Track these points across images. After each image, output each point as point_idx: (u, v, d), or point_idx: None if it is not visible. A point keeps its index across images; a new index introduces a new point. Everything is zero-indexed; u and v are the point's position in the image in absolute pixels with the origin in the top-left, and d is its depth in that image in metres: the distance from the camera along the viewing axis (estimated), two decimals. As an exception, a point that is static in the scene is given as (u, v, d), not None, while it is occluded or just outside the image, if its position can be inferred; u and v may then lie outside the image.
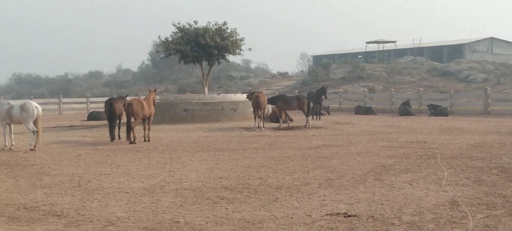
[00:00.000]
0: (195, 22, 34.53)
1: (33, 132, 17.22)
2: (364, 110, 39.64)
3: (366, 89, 51.54)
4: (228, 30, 34.28)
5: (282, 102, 26.42)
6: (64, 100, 50.17)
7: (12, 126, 18.05)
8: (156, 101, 22.00)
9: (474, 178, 11.16)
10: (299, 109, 26.48)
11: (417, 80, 59.93)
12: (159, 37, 35.83)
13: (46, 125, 28.78)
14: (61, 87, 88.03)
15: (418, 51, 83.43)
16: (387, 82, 59.74)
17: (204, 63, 35.93)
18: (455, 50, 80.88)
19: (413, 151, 15.86)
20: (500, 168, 12.55)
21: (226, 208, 8.80)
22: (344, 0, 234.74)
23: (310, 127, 25.27)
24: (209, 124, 27.74)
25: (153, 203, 9.28)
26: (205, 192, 10.12)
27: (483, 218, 7.87)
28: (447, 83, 56.01)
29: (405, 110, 36.58)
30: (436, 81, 58.97)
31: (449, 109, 37.23)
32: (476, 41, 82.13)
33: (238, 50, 34.78)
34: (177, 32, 34.52)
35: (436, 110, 35.71)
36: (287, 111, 27.26)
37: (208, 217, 8.23)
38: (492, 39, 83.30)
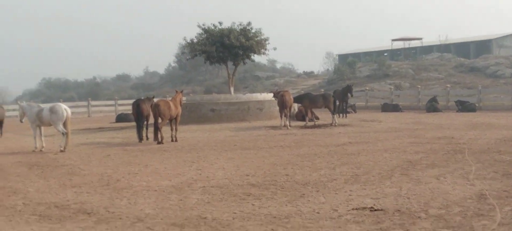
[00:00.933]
0: (220, 23, 34.77)
1: (62, 133, 17.50)
2: (390, 107, 39.44)
3: (392, 87, 51.29)
4: (253, 30, 34.43)
5: (308, 101, 26.43)
6: (93, 103, 50.78)
7: (43, 128, 18.37)
8: (183, 101, 22.14)
9: (502, 172, 11.07)
10: (325, 108, 26.45)
11: (444, 77, 59.39)
12: (185, 39, 36.17)
13: (76, 127, 29.15)
14: (89, 91, 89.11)
15: (445, 48, 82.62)
16: (414, 80, 59.29)
17: (230, 64, 36.09)
18: (482, 46, 79.90)
19: (440, 147, 15.77)
20: (529, 161, 12.43)
21: (253, 204, 8.87)
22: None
23: (336, 124, 25.25)
24: (236, 123, 27.85)
25: (180, 200, 9.39)
26: (232, 189, 10.20)
27: (510, 210, 7.83)
28: (474, 79, 55.44)
29: (432, 106, 36.31)
30: (463, 78, 58.40)
31: (476, 105, 36.86)
32: (504, 36, 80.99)
33: (263, 50, 34.89)
34: (202, 33, 34.76)
35: (463, 106, 35.41)
36: (313, 109, 27.27)
37: (235, 213, 8.31)
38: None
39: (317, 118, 28.04)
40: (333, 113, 25.97)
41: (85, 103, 50.45)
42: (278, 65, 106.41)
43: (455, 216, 7.60)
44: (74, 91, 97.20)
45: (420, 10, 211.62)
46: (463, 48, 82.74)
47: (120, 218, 8.24)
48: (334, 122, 25.57)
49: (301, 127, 24.86)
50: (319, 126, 25.10)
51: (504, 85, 48.00)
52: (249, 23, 34.55)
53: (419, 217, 7.62)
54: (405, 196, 9.00)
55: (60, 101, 20.35)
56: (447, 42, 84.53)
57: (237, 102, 30.21)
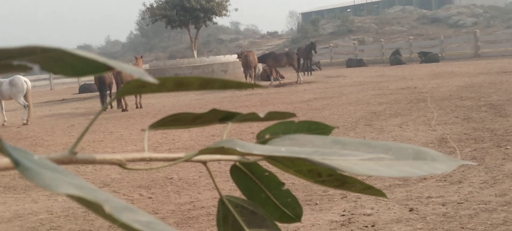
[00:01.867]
0: (180, -14, 34.39)
1: (24, 106, 17.22)
2: (355, 62, 39.72)
3: (356, 42, 51.53)
4: (213, -8, 34.17)
5: (272, 60, 26.43)
6: (55, 75, 49.97)
7: (3, 102, 18.04)
8: (143, 67, 21.97)
9: (463, 116, 11.27)
10: (289, 66, 26.50)
11: (407, 29, 59.91)
12: (144, 4, 35.65)
13: (38, 100, 28.72)
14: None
15: (407, 0, 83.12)
16: (377, 34, 59.68)
17: (191, 27, 35.82)
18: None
19: (404, 97, 15.96)
20: (489, 105, 12.67)
21: (219, 163, 8.86)
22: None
23: (301, 82, 25.34)
24: (201, 87, 27.76)
25: (146, 163, 9.34)
26: (198, 150, 10.18)
27: (470, 151, 8.00)
28: (437, 30, 56.02)
29: (395, 59, 36.70)
30: (426, 29, 58.99)
31: (439, 55, 37.33)
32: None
33: (224, 12, 34.70)
34: (161, -3, 34.40)
35: (427, 57, 35.85)
36: (278, 68, 27.30)
37: (201, 172, 8.31)
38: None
39: (282, 77, 28.10)
40: (297, 71, 26.05)
41: (47, 76, 49.60)
42: (242, 27, 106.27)
43: (417, 160, 7.72)
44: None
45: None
46: (424, 0, 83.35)
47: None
48: (299, 79, 25.65)
49: (266, 87, 24.89)
50: (284, 84, 25.17)
51: (466, 35, 48.57)
52: (209, -15, 34.28)
53: (382, 164, 7.72)
54: (369, 145, 9.09)
55: (20, 75, 19.93)
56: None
57: (201, 66, 30.08)
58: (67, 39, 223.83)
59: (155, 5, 34.42)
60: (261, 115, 0.83)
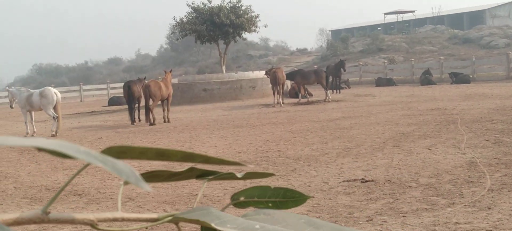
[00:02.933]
0: (209, 1, 34.58)
1: (53, 118, 17.41)
2: (384, 82, 39.39)
3: (386, 61, 51.18)
4: (243, 8, 34.28)
5: (300, 77, 26.34)
6: (85, 87, 50.59)
7: (33, 113, 18.28)
8: (172, 81, 22.10)
9: (493, 140, 11.07)
10: (317, 84, 26.40)
11: (438, 49, 59.28)
12: (174, 19, 35.90)
13: (68, 112, 29.08)
14: (81, 75, 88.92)
15: (438, 20, 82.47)
16: (407, 53, 59.16)
17: (221, 43, 35.97)
18: (476, 17, 79.75)
19: (433, 118, 15.76)
20: (520, 129, 12.43)
21: (244, 180, 8.81)
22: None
23: (329, 100, 25.22)
24: (228, 102, 27.82)
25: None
26: (223, 167, 10.14)
27: (501, 176, 7.83)
28: (468, 51, 55.35)
29: (426, 79, 36.31)
30: (457, 49, 58.31)
31: (470, 76, 36.85)
32: (497, 6, 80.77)
33: (253, 27, 34.79)
34: (191, 12, 34.61)
35: (457, 78, 35.40)
36: (306, 86, 27.21)
37: (226, 189, 8.28)
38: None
39: (311, 95, 28.00)
40: (326, 89, 25.95)
41: (77, 88, 50.26)
42: (271, 44, 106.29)
43: (445, 184, 7.59)
44: (65, 77, 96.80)
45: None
46: (456, 20, 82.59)
47: (111, 198, 8.21)
48: (327, 97, 25.54)
49: (294, 104, 24.83)
50: (312, 102, 25.07)
51: (498, 56, 47.89)
52: (239, 0, 34.41)
53: (409, 186, 7.61)
54: (396, 167, 8.98)
55: (51, 86, 20.22)
56: (440, 14, 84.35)
57: (230, 81, 30.15)
58: (98, 52, 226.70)
59: (185, 19, 34.66)
60: (239, 175, 0.84)
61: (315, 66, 46.38)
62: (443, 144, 11.06)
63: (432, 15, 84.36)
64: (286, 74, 26.68)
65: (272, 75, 24.90)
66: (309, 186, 8.07)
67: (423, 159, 9.50)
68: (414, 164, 9.15)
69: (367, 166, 9.24)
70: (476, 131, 12.59)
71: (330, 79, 30.96)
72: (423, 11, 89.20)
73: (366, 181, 8.09)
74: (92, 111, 29.86)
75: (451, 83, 35.01)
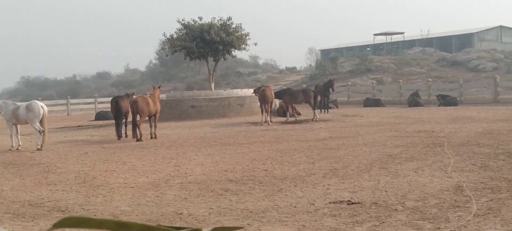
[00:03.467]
0: (200, 18, 34.68)
1: (39, 131, 17.27)
2: (372, 102, 39.52)
3: (374, 82, 51.40)
4: (233, 25, 34.36)
5: (288, 96, 26.36)
6: (72, 101, 50.38)
7: (19, 126, 18.12)
8: (160, 97, 22.03)
9: (480, 164, 11.08)
10: (305, 103, 26.42)
11: (426, 71, 59.64)
12: (164, 35, 35.90)
13: (54, 125, 28.89)
14: (69, 89, 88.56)
15: (427, 42, 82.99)
16: (396, 74, 59.47)
17: (210, 60, 35.98)
18: (464, 40, 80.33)
19: (420, 140, 15.78)
20: (507, 153, 12.46)
21: (230, 200, 8.78)
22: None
23: (317, 119, 25.23)
24: (216, 119, 27.76)
25: (157, 196, 9.28)
26: (210, 185, 10.11)
27: (487, 201, 7.82)
28: (456, 73, 55.73)
29: (414, 101, 36.47)
30: (445, 72, 58.71)
31: (458, 99, 37.09)
32: (485, 30, 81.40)
33: (243, 45, 34.84)
34: (182, 28, 34.63)
35: (445, 100, 35.60)
36: (294, 105, 27.23)
37: (211, 208, 8.22)
38: (501, 27, 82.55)
39: (299, 114, 28.01)
40: (314, 109, 25.97)
41: (64, 101, 50.02)
42: (260, 61, 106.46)
43: (431, 208, 7.57)
44: (53, 90, 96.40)
45: (402, 4, 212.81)
46: (445, 42, 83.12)
47: (95, 215, 8.11)
48: (315, 117, 25.55)
49: (282, 123, 24.82)
50: (300, 122, 25.07)
51: (486, 79, 48.24)
52: (229, 18, 34.52)
53: (395, 210, 7.58)
54: (383, 189, 8.96)
55: (38, 99, 20.12)
56: (429, 36, 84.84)
57: (218, 99, 30.12)
58: (87, 66, 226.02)
59: (175, 36, 34.64)
60: (206, 230, 0.80)
61: (304, 85, 46.49)
62: (429, 166, 11.06)
63: (421, 37, 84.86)
64: (275, 93, 26.68)
65: (261, 93, 24.90)
66: (295, 207, 8.02)
67: (409, 182, 9.49)
68: (400, 186, 9.13)
69: (354, 188, 9.21)
70: (463, 154, 12.61)
71: (319, 98, 31.00)
72: (412, 33, 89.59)
73: (352, 203, 8.06)
74: (79, 126, 29.68)
75: (439, 106, 35.20)
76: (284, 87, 38.82)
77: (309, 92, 26.28)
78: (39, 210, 8.63)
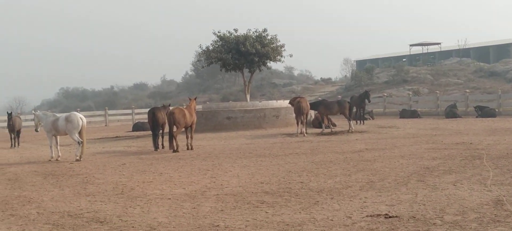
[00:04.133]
0: (235, 30, 34.78)
1: (78, 142, 17.55)
2: (409, 113, 39.11)
3: (410, 93, 50.90)
4: (268, 37, 34.40)
5: (323, 107, 26.24)
6: (110, 112, 50.98)
7: (59, 137, 18.44)
8: (196, 108, 22.16)
9: (520, 177, 10.89)
10: (340, 114, 26.29)
11: (463, 82, 58.83)
12: (200, 46, 36.13)
13: (92, 136, 29.31)
14: (107, 100, 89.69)
15: (464, 52, 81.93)
16: (432, 85, 58.79)
17: (246, 71, 36.08)
18: (502, 50, 79.12)
19: (458, 152, 15.57)
20: (548, 166, 12.21)
21: (266, 212, 8.78)
22: (388, 2, 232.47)
23: (353, 131, 25.08)
24: (252, 131, 27.80)
25: (194, 208, 9.34)
26: (246, 197, 10.13)
27: (528, 216, 7.68)
28: (494, 84, 54.83)
29: (451, 112, 35.98)
30: (483, 82, 57.80)
31: (496, 110, 36.46)
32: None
33: (279, 57, 34.84)
34: (217, 40, 34.80)
35: (483, 112, 35.04)
36: (330, 116, 27.11)
37: (247, 221, 8.23)
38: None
39: (334, 125, 27.90)
40: (349, 120, 25.84)
41: (102, 112, 50.70)
42: (296, 72, 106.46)
43: (471, 223, 7.46)
44: (91, 101, 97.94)
45: (439, 15, 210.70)
46: (482, 53, 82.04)
47: (133, 227, 8.20)
48: (350, 128, 25.41)
49: (317, 134, 24.73)
50: (335, 133, 24.95)
51: (524, 90, 47.40)
52: (264, 30, 34.57)
53: (434, 224, 7.49)
54: (421, 203, 8.86)
55: (77, 111, 20.47)
56: (466, 46, 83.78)
57: (253, 110, 30.16)
58: (124, 78, 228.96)
59: (211, 47, 34.86)
60: None
61: (339, 97, 46.28)
62: (468, 179, 10.90)
63: (458, 48, 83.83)
64: (310, 104, 26.60)
65: (296, 104, 24.87)
66: (332, 220, 7.99)
67: (448, 195, 9.37)
68: (439, 200, 9.02)
69: (391, 201, 9.13)
70: (503, 167, 12.40)
71: (354, 109, 30.82)
72: (448, 43, 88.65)
73: (390, 217, 7.99)
74: (116, 137, 30.05)
75: (476, 117, 34.66)
76: (320, 98, 38.70)
77: (344, 104, 26.17)
78: (78, 221, 8.75)
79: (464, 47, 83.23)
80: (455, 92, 51.60)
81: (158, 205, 9.72)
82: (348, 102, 26.89)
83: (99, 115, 50.36)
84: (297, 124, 24.83)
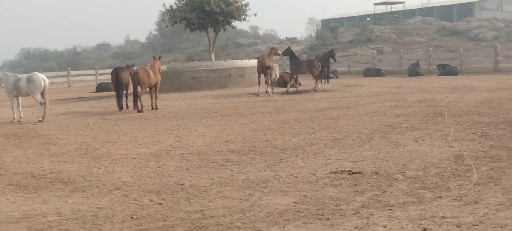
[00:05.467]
0: (201, -11, 34.38)
1: (40, 103, 17.29)
2: (373, 72, 39.44)
3: (374, 52, 51.22)
4: (233, -4, 34.13)
5: (294, 66, 26.13)
6: (73, 73, 50.19)
7: (20, 98, 18.13)
8: (161, 69, 21.96)
9: (480, 133, 11.11)
10: (309, 73, 26.29)
11: (426, 41, 59.40)
12: (164, 6, 35.69)
13: (55, 97, 28.89)
14: (70, 61, 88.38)
15: (427, 11, 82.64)
16: (396, 44, 59.25)
17: (210, 30, 35.81)
18: (465, 9, 79.91)
19: (421, 110, 15.80)
20: (507, 122, 12.49)
21: (231, 170, 8.82)
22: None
23: (319, 90, 25.18)
24: (217, 90, 27.74)
25: (159, 167, 9.32)
26: (211, 156, 10.14)
27: (487, 170, 7.85)
28: (456, 43, 55.53)
29: (414, 71, 36.38)
30: (445, 41, 58.44)
31: (458, 68, 37.00)
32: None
33: (243, 16, 34.63)
34: (181, -1, 34.40)
35: (445, 70, 35.53)
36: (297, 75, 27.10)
37: (213, 179, 8.26)
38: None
39: (299, 84, 27.96)
40: (316, 80, 25.90)
41: (65, 73, 49.87)
42: (261, 32, 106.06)
43: (432, 177, 7.61)
44: (54, 61, 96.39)
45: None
46: (445, 12, 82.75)
47: (97, 186, 8.16)
48: (317, 87, 25.50)
49: (283, 93, 24.78)
50: (300, 92, 25.03)
51: (486, 48, 48.05)
52: (230, -12, 34.25)
53: (396, 179, 7.62)
54: (383, 159, 9.00)
55: (39, 71, 20.14)
56: (430, 5, 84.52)
57: (218, 70, 30.04)
58: (87, 38, 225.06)
59: (175, 7, 34.44)
60: None
61: (305, 56, 46.33)
62: (430, 136, 11.08)
63: (421, 7, 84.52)
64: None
65: (259, 64, 24.78)
66: (296, 177, 8.06)
67: (410, 151, 9.52)
68: (401, 156, 9.17)
69: (354, 158, 9.25)
70: (463, 123, 12.63)
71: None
72: (412, 2, 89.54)
73: (353, 173, 8.10)
74: (80, 97, 29.67)
75: (439, 75, 35.13)
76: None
77: (314, 63, 26.13)
78: (41, 182, 8.67)
79: (428, 6, 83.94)
80: (418, 51, 52.12)
81: (122, 165, 9.67)
82: (319, 62, 26.86)
83: (62, 76, 49.52)
84: (259, 83, 24.71)
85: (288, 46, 27.30)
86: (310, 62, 26.58)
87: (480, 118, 13.47)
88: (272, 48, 27.04)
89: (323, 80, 31.48)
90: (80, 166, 9.80)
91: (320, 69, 26.21)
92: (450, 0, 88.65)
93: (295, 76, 26.58)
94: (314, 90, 25.23)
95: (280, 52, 26.86)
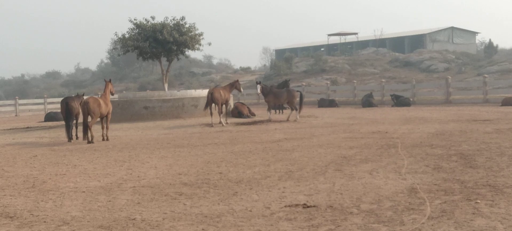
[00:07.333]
0: (152, 18, 34.19)
1: (-13, 133, 16.75)
2: (327, 103, 39.82)
3: (329, 82, 51.78)
4: (187, 25, 34.01)
5: (272, 96, 25.96)
6: (21, 101, 49.11)
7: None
8: (114, 93, 21.63)
9: (433, 166, 11.19)
10: (288, 103, 26.19)
11: (379, 72, 60.45)
12: (116, 34, 35.26)
13: (2, 127, 28.13)
14: (17, 89, 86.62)
15: (380, 43, 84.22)
16: (350, 75, 60.09)
17: (163, 60, 35.57)
18: (417, 41, 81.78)
19: (374, 141, 15.89)
20: (459, 154, 12.62)
21: (184, 204, 8.61)
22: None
23: (297, 119, 24.96)
24: (170, 120, 27.42)
25: (109, 201, 9.04)
26: (163, 189, 9.91)
27: (440, 203, 7.86)
28: (409, 74, 56.64)
29: (367, 102, 36.86)
30: (398, 72, 59.58)
31: (411, 99, 37.67)
32: (437, 31, 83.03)
33: (197, 45, 34.50)
34: (134, 28, 34.05)
35: (398, 101, 36.12)
36: (249, 107, 27.03)
37: (165, 213, 8.04)
38: (452, 28, 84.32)
39: (253, 114, 27.89)
40: (296, 110, 25.67)
41: (12, 102, 48.77)
42: (215, 61, 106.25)
43: (386, 211, 7.57)
44: (1, 90, 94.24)
45: (355, 4, 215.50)
46: (397, 43, 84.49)
47: (45, 222, 7.84)
48: (296, 117, 25.28)
49: (237, 124, 24.68)
50: (255, 123, 24.98)
51: (437, 80, 49.21)
52: (182, 18, 34.13)
53: (351, 213, 7.55)
54: (338, 192, 8.93)
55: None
56: (382, 37, 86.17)
57: (171, 99, 29.76)
58: (36, 66, 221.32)
59: (127, 35, 34.06)
60: None
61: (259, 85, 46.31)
62: (384, 168, 11.10)
63: (374, 38, 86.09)
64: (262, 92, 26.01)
65: (208, 95, 24.58)
66: (251, 211, 7.91)
67: (364, 184, 9.49)
68: (355, 189, 9.13)
69: (309, 191, 9.16)
70: (416, 155, 12.72)
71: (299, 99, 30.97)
72: (365, 33, 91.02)
73: (308, 206, 8.00)
74: (28, 127, 28.94)
75: (392, 106, 35.68)
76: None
77: (293, 93, 25.96)
78: None
79: (380, 37, 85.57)
80: (371, 82, 52.94)
81: (71, 199, 9.35)
82: (298, 91, 26.75)
83: (9, 104, 48.43)
84: (211, 113, 24.48)
85: (286, 79, 27.05)
86: (289, 91, 26.32)
87: (433, 150, 13.60)
88: (236, 81, 26.89)
89: (277, 111, 31.54)
90: (27, 199, 9.43)
91: (301, 99, 26.19)
92: (402, 31, 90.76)
93: (248, 107, 26.53)
94: (288, 119, 25.07)
95: (241, 89, 26.76)
